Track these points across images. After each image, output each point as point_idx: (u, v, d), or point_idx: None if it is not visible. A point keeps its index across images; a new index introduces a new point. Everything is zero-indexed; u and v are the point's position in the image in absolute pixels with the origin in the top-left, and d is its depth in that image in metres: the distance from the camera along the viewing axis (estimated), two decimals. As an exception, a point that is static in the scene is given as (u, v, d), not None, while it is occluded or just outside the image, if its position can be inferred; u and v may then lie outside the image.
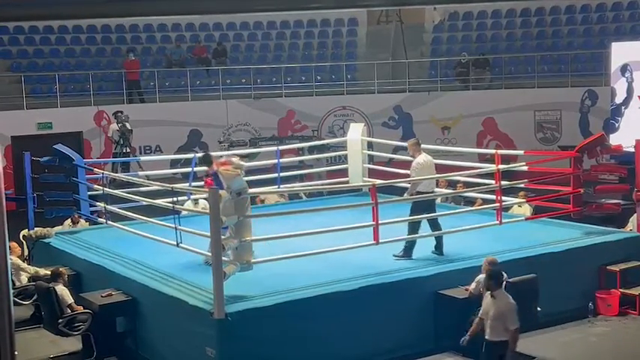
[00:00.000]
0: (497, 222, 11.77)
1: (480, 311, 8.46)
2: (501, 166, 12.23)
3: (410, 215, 11.14)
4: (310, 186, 16.49)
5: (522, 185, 13.37)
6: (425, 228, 11.18)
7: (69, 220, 14.22)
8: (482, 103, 23.86)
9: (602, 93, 22.58)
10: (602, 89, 22.59)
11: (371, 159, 16.86)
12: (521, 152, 14.85)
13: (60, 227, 13.98)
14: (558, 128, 23.74)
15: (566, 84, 23.60)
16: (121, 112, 21.02)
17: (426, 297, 10.19)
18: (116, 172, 18.20)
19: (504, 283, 8.62)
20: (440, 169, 14.19)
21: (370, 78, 24.68)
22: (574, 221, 12.79)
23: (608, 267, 11.66)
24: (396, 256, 10.89)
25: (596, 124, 22.40)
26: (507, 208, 13.22)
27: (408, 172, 14.07)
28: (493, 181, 12.13)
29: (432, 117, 24.12)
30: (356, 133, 15.67)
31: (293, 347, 9.21)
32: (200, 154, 12.83)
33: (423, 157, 11.48)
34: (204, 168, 11.49)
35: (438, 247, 11.16)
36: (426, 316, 10.15)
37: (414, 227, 11.07)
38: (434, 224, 11.22)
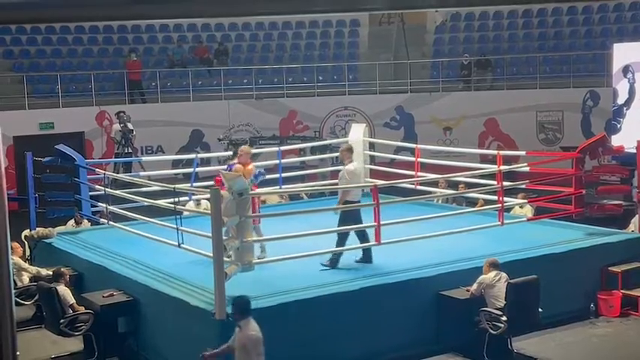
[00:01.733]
0: (499, 223, 11.76)
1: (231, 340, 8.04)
2: (503, 167, 12.23)
3: (339, 225, 10.79)
4: (312, 186, 16.47)
5: (524, 186, 13.36)
6: (352, 239, 10.80)
7: (72, 220, 14.22)
8: (484, 103, 23.87)
9: (604, 94, 22.57)
10: (604, 90, 22.59)
11: (372, 159, 16.84)
12: (522, 153, 14.85)
13: (63, 227, 13.98)
14: (560, 129, 23.73)
15: (568, 85, 23.60)
16: (123, 112, 21.03)
17: (428, 298, 10.18)
18: (118, 173, 18.21)
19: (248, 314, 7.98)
20: (441, 169, 14.23)
21: (372, 78, 24.69)
22: (576, 222, 12.78)
23: (609, 268, 11.65)
24: (323, 265, 10.59)
25: (598, 124, 22.40)
26: (509, 209, 13.22)
27: (411, 172, 14.12)
28: (495, 182, 12.12)
29: (433, 117, 24.12)
30: (358, 133, 15.66)
31: (295, 348, 9.20)
32: (232, 151, 12.86)
33: (354, 165, 11.26)
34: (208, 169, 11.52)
35: (365, 258, 10.75)
36: (427, 316, 10.14)
37: (342, 238, 10.70)
38: (362, 235, 10.79)
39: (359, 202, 10.99)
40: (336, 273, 10.20)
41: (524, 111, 23.61)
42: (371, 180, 14.70)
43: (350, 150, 11.46)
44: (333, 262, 10.62)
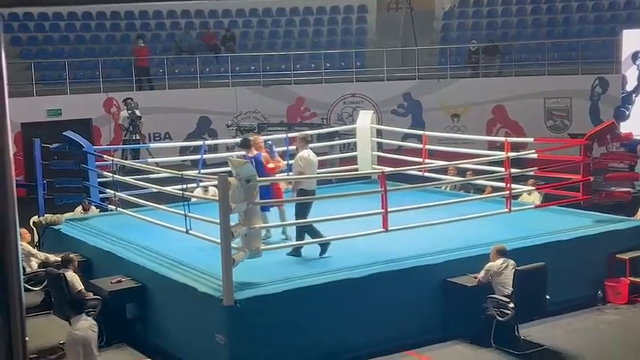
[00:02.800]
0: (507, 210, 11.74)
1: None
2: (511, 154, 12.19)
3: (296, 216, 10.65)
4: (319, 173, 16.46)
5: (532, 173, 13.32)
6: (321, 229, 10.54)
7: (80, 207, 14.25)
8: (492, 90, 23.77)
9: (613, 80, 22.44)
10: (613, 77, 22.46)
11: (380, 146, 16.84)
12: (530, 140, 14.80)
13: (71, 214, 14.03)
14: (568, 116, 23.64)
15: (576, 71, 23.48)
16: (131, 99, 21.03)
17: (435, 285, 10.19)
18: (126, 160, 18.23)
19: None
20: (449, 156, 14.20)
21: (380, 65, 24.62)
22: (583, 209, 12.75)
23: (617, 255, 11.63)
24: (288, 254, 10.50)
25: (607, 111, 22.30)
26: (517, 196, 13.19)
27: (418, 159, 14.09)
28: (502, 169, 12.10)
29: (441, 104, 24.05)
30: (365, 120, 15.64)
31: (302, 334, 9.23)
32: (240, 139, 12.87)
33: (306, 153, 11.00)
34: (215, 156, 11.55)
35: (323, 251, 10.48)
36: (434, 303, 10.16)
37: (302, 228, 10.57)
38: (311, 230, 10.52)
39: (313, 191, 10.77)
40: (343, 260, 10.21)
41: (533, 98, 23.51)
42: (377, 167, 14.70)
43: (305, 139, 11.25)
44: (297, 252, 10.48)
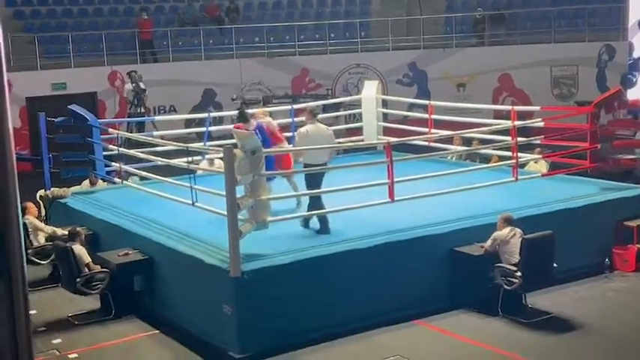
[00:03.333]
0: (513, 179, 11.71)
1: None
2: (517, 123, 12.14)
3: (307, 189, 10.59)
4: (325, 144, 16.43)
5: (538, 142, 13.26)
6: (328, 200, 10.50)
7: (87, 180, 14.26)
8: (498, 59, 23.64)
9: (620, 48, 22.30)
10: (620, 44, 22.31)
11: (385, 117, 16.77)
12: (537, 108, 14.72)
13: (77, 187, 14.04)
14: (575, 84, 23.51)
15: (583, 39, 23.31)
16: (135, 71, 20.97)
17: (442, 254, 10.19)
18: (131, 133, 18.21)
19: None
20: (455, 126, 14.15)
21: (384, 35, 24.47)
22: (591, 177, 12.71)
23: (625, 222, 11.61)
24: (318, 232, 10.38)
25: (614, 79, 22.17)
26: (523, 165, 13.16)
27: (424, 129, 14.05)
28: (509, 138, 12.04)
29: (447, 74, 23.94)
30: (370, 90, 15.57)
31: (309, 304, 9.26)
32: (236, 111, 12.83)
33: (307, 128, 10.76)
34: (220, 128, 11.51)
35: (323, 229, 10.38)
36: (441, 273, 10.16)
37: (315, 201, 10.45)
38: (317, 202, 10.43)
39: (318, 165, 10.54)
40: (350, 230, 10.20)
41: (539, 66, 23.38)
42: (383, 137, 14.66)
43: (312, 112, 10.98)
44: (324, 226, 10.37)
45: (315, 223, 10.46)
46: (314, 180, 10.56)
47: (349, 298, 9.50)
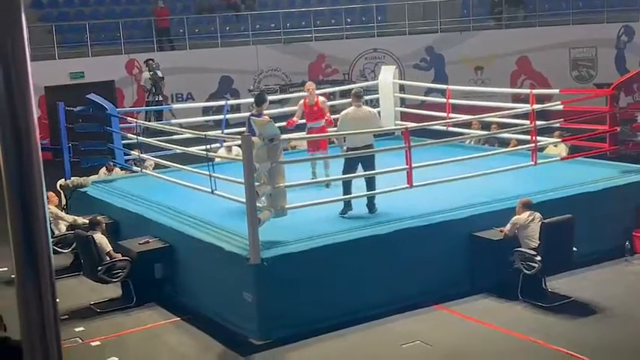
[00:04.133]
0: (532, 163, 11.66)
1: None
2: (536, 106, 12.07)
3: (343, 172, 10.71)
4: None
5: (557, 125, 13.18)
6: (361, 186, 10.63)
7: (104, 168, 14.35)
8: (515, 41, 23.48)
9: (639, 28, 22.07)
10: (639, 25, 22.08)
11: (403, 102, 16.72)
12: (556, 91, 14.63)
13: (95, 176, 14.13)
14: (594, 66, 23.33)
15: (601, 20, 23.11)
16: (152, 59, 21.03)
17: (461, 239, 10.18)
18: (149, 121, 18.27)
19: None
20: (473, 110, 14.09)
21: (401, 19, 24.36)
22: (610, 160, 12.63)
23: (645, 206, 11.53)
24: (340, 214, 10.47)
25: (633, 60, 21.96)
26: (542, 149, 13.09)
27: (442, 114, 13.99)
28: (528, 122, 11.98)
29: (464, 57, 23.81)
30: (387, 75, 15.52)
31: (328, 291, 9.29)
32: (256, 93, 13.03)
33: (348, 110, 10.82)
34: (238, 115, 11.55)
35: (370, 207, 10.49)
36: (461, 258, 10.15)
37: (346, 185, 10.57)
38: (368, 182, 10.56)
39: (355, 149, 10.54)
40: (368, 217, 10.21)
41: (557, 48, 23.20)
42: (401, 123, 14.62)
43: (356, 94, 11.00)
44: (346, 209, 10.49)
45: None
46: (350, 164, 10.59)
47: (368, 285, 9.51)
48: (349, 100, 11.42)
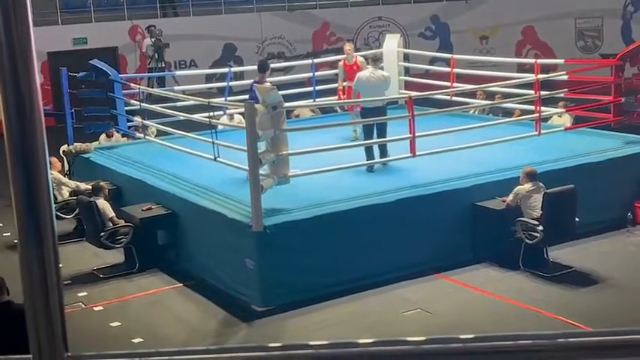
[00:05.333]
0: (536, 133, 11.64)
1: None
2: (541, 76, 12.02)
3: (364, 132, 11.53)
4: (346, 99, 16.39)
5: (562, 95, 13.14)
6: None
7: (103, 134, 14.33)
8: (521, 11, 23.32)
9: (646, -1, 21.91)
10: (646, -5, 21.92)
11: (407, 71, 16.65)
12: (561, 61, 14.55)
13: (96, 142, 14.12)
14: (600, 36, 23.18)
15: (608, -10, 22.93)
16: (154, 26, 20.90)
17: (464, 209, 10.19)
18: (152, 88, 18.22)
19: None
20: (478, 79, 14.03)
21: (406, -13, 24.18)
22: (614, 131, 12.59)
23: (648, 177, 11.52)
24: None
25: (639, 31, 21.82)
26: (546, 119, 13.05)
27: (446, 83, 13.94)
28: (532, 92, 11.94)
29: (469, 26, 23.67)
30: (392, 44, 15.43)
31: (330, 259, 9.33)
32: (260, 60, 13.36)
33: (362, 72, 11.58)
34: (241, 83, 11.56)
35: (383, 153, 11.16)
36: (463, 227, 10.17)
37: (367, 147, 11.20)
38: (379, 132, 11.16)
39: (370, 109, 11.13)
40: (371, 185, 10.22)
41: (563, 18, 23.05)
42: (405, 92, 14.57)
43: (374, 58, 11.86)
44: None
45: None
46: (366, 126, 11.34)
47: (370, 253, 9.55)
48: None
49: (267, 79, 11.40)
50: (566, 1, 23.08)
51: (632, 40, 20.36)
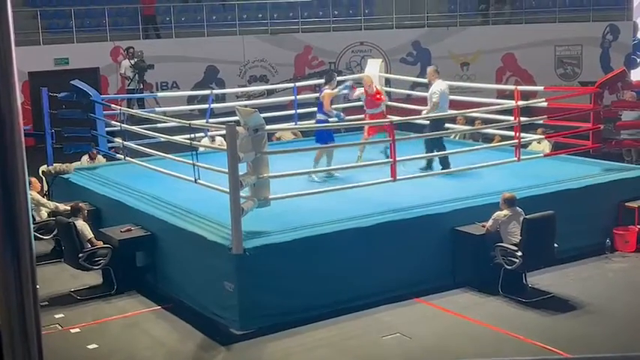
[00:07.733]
0: (516, 159, 11.71)
1: None
2: (520, 103, 12.12)
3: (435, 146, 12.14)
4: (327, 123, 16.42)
5: (541, 122, 13.25)
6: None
7: (86, 155, 14.28)
8: (501, 38, 23.57)
9: (624, 28, 22.24)
10: (624, 24, 22.24)
11: (389, 95, 16.72)
12: (540, 88, 14.68)
13: (78, 163, 14.05)
14: (579, 64, 23.44)
15: (587, 18, 23.22)
16: (133, 48, 20.91)
17: (443, 233, 10.21)
18: (132, 109, 18.18)
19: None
20: (458, 105, 14.11)
21: (388, 13, 24.37)
22: (593, 158, 12.70)
23: (626, 203, 11.61)
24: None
25: (618, 59, 22.13)
26: (526, 145, 13.14)
27: (426, 108, 14.04)
28: (512, 118, 12.02)
29: (450, 53, 23.86)
30: (373, 68, 15.51)
31: (310, 282, 9.30)
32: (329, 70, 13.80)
33: (445, 86, 12.38)
34: (223, 105, 11.53)
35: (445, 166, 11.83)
36: (443, 252, 10.19)
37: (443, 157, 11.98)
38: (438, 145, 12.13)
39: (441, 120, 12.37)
40: (351, 209, 10.22)
41: (543, 45, 23.30)
42: (389, 116, 14.61)
43: (436, 70, 12.76)
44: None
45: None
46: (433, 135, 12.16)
47: (351, 276, 9.53)
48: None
49: (252, 102, 11.44)
50: (546, 29, 23.35)
51: (611, 68, 20.62)
